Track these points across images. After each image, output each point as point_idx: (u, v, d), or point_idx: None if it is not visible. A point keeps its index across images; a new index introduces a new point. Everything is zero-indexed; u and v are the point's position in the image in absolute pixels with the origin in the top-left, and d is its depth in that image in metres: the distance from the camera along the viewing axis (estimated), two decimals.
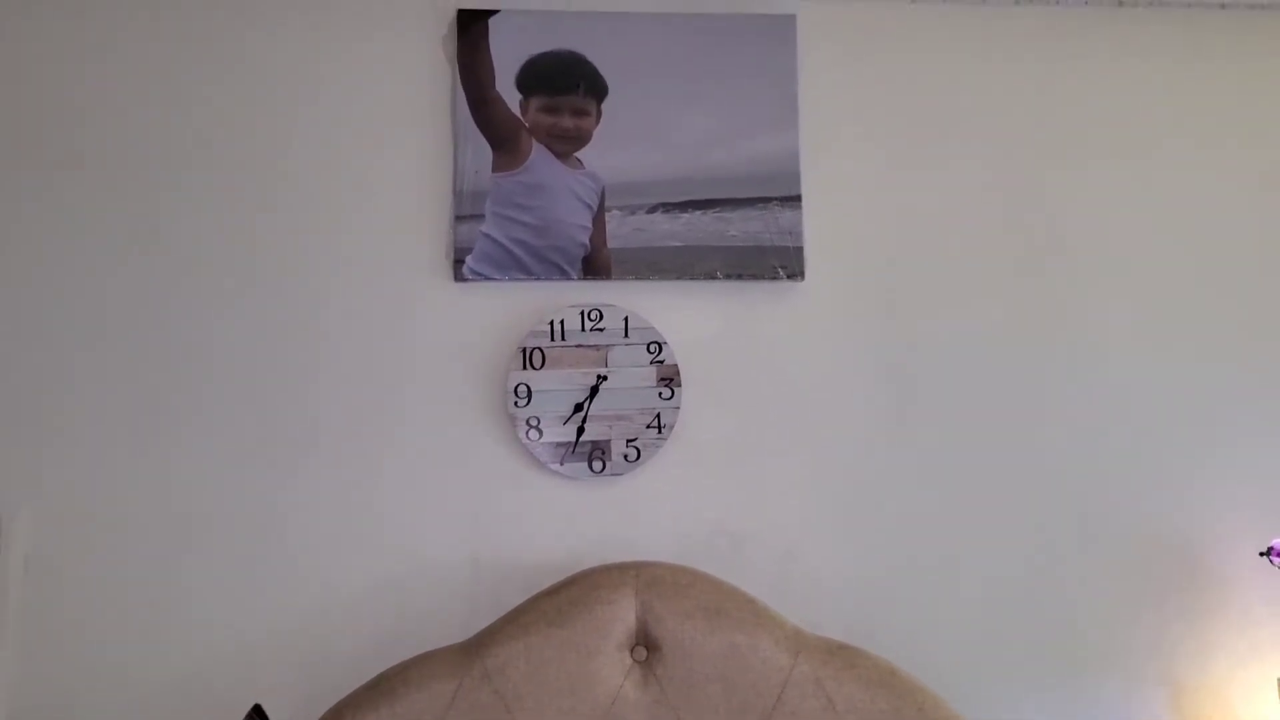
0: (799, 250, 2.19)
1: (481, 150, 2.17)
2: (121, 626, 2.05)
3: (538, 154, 2.18)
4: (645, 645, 1.95)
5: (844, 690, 1.91)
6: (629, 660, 1.94)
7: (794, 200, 2.19)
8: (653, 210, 2.19)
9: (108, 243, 2.13)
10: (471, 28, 2.19)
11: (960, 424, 2.18)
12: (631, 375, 2.15)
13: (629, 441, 2.13)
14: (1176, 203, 2.25)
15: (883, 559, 2.13)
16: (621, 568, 1.98)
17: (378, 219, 2.17)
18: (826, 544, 2.13)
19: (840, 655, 1.95)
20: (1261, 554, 2.04)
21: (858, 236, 2.22)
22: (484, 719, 1.87)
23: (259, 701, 2.01)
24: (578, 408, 2.14)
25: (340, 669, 1.99)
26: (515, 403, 2.13)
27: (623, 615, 1.93)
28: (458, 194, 2.17)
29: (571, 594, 1.95)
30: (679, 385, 2.15)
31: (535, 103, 2.19)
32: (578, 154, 2.19)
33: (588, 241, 2.18)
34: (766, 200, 2.19)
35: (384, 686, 1.91)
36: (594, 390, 2.14)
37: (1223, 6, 2.30)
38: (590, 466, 2.13)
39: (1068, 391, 2.19)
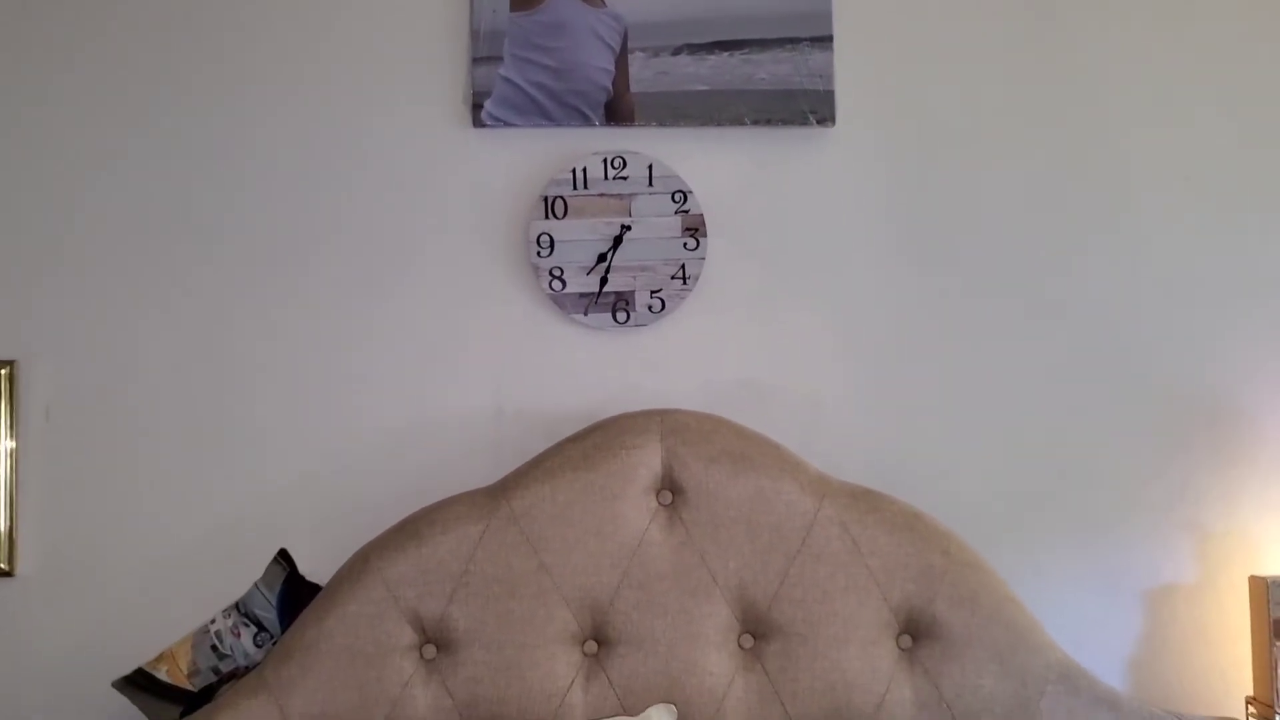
0: (829, 94, 2.11)
1: None
2: (146, 474, 2.06)
3: None
4: (670, 489, 1.95)
5: (868, 534, 1.91)
6: (654, 504, 1.94)
7: (825, 41, 2.11)
8: (677, 52, 2.11)
9: (120, 98, 2.09)
10: None
11: (989, 274, 2.13)
12: (656, 225, 2.10)
13: (653, 292, 2.10)
14: (1214, 53, 2.15)
15: (908, 410, 2.11)
16: (647, 414, 1.97)
17: (394, 62, 2.10)
18: (851, 395, 2.11)
19: (864, 499, 1.95)
20: None
21: (890, 79, 2.14)
22: (511, 560, 1.89)
23: (284, 546, 2.03)
24: (601, 258, 2.10)
25: (366, 514, 2.00)
26: (538, 252, 2.10)
27: (648, 460, 1.93)
28: (475, 34, 2.09)
29: (597, 439, 1.95)
30: (704, 235, 2.10)
31: None
32: None
33: (610, 85, 2.11)
34: (796, 41, 2.11)
35: (410, 529, 1.92)
36: (617, 240, 2.10)
37: None
38: (614, 317, 2.10)
39: (1100, 242, 2.13)
